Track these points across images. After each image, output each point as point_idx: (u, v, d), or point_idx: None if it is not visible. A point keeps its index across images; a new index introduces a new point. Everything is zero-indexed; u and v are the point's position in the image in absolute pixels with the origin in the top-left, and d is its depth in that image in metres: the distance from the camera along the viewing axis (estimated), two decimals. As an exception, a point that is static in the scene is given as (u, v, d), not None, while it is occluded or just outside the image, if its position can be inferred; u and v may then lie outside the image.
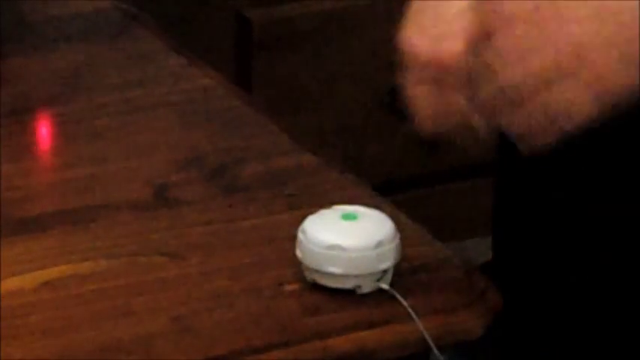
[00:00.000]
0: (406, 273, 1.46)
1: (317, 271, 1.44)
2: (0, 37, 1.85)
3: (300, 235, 1.45)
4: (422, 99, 1.50)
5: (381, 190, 1.60)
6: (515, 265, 1.75)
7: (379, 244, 1.43)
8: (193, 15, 2.87)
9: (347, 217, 1.46)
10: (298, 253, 1.45)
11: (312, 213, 1.47)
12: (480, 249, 1.81)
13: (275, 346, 1.39)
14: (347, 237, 1.43)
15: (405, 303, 1.42)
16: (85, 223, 1.55)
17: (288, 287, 1.45)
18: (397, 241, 1.45)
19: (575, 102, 1.43)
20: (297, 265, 1.45)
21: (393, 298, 1.43)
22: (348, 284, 1.44)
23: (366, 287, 1.44)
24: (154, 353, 1.37)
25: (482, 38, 1.45)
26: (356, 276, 1.43)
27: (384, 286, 1.43)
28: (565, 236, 1.73)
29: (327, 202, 1.50)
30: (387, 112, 2.63)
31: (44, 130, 1.77)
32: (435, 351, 1.43)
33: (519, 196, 1.79)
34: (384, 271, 1.44)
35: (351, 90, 2.77)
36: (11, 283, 1.45)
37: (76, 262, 1.48)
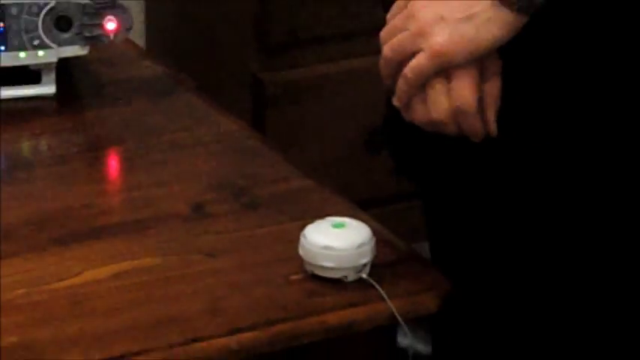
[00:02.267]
0: (380, 266, 1.51)
1: (314, 265, 1.49)
2: (82, 94, 1.89)
3: (301, 239, 1.50)
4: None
5: (361, 206, 1.64)
6: (447, 261, 1.73)
7: (360, 245, 1.48)
8: (220, 76, 2.89)
9: (336, 225, 1.50)
10: (300, 252, 1.50)
11: (310, 223, 1.52)
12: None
13: (283, 320, 1.44)
14: (336, 240, 1.48)
15: (379, 288, 1.47)
16: (143, 230, 1.61)
17: (293, 277, 1.50)
18: (373, 242, 1.50)
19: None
20: (299, 261, 1.50)
21: (371, 285, 1.47)
22: (337, 275, 1.48)
23: (351, 277, 1.48)
24: (193, 326, 1.41)
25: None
26: (343, 268, 1.48)
27: (364, 276, 1.48)
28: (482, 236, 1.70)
29: (321, 215, 1.55)
30: (367, 148, 2.68)
31: (113, 162, 1.81)
32: (402, 323, 1.47)
33: (444, 212, 1.77)
34: (364, 265, 1.49)
35: (341, 132, 2.78)
36: (90, 275, 1.50)
37: (137, 259, 1.53)
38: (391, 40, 1.50)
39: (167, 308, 1.46)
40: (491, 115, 1.50)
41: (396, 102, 1.52)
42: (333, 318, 1.46)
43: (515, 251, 1.67)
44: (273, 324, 1.44)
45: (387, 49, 1.50)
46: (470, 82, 1.47)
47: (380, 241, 1.53)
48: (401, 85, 1.50)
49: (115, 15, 1.87)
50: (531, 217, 1.64)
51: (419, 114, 1.50)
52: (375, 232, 1.52)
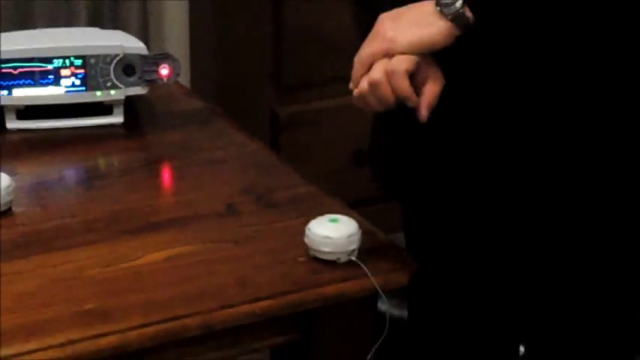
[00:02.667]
0: (365, 251, 1.50)
1: (316, 250, 1.48)
2: (142, 123, 1.88)
3: (306, 231, 1.49)
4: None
5: (351, 206, 1.63)
6: (417, 247, 1.72)
7: (350, 235, 1.48)
8: (246, 109, 2.88)
9: (332, 220, 1.50)
10: (305, 240, 1.49)
11: (313, 219, 1.51)
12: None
13: (293, 292, 1.44)
14: (332, 232, 1.48)
15: (364, 267, 1.46)
16: (188, 224, 1.60)
17: (300, 259, 1.50)
18: (359, 233, 1.49)
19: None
20: (304, 247, 1.50)
21: (358, 265, 1.47)
22: (333, 257, 1.48)
23: (343, 259, 1.47)
24: (225, 296, 1.41)
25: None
26: (337, 253, 1.48)
27: (353, 258, 1.47)
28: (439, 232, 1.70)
29: (321, 212, 1.53)
30: (355, 163, 2.67)
31: (165, 174, 1.81)
32: (381, 293, 1.47)
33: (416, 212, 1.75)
34: (353, 250, 1.48)
35: (336, 151, 2.75)
36: (149, 258, 1.50)
37: (183, 245, 1.53)
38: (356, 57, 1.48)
39: (206, 283, 1.46)
40: (423, 107, 1.44)
41: (351, 86, 1.47)
42: (329, 290, 1.46)
43: (465, 241, 1.66)
44: (285, 294, 1.44)
45: (355, 64, 1.48)
46: (404, 61, 1.43)
47: (364, 232, 1.51)
48: (356, 72, 1.47)
49: (167, 64, 1.87)
50: (477, 219, 1.62)
51: (363, 83, 1.46)
52: (361, 226, 1.51)
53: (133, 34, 2.15)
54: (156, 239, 1.56)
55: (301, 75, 2.90)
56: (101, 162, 1.82)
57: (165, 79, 1.89)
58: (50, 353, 1.31)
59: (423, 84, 1.45)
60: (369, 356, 1.51)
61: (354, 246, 1.49)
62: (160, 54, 1.91)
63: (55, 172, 1.77)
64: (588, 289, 1.60)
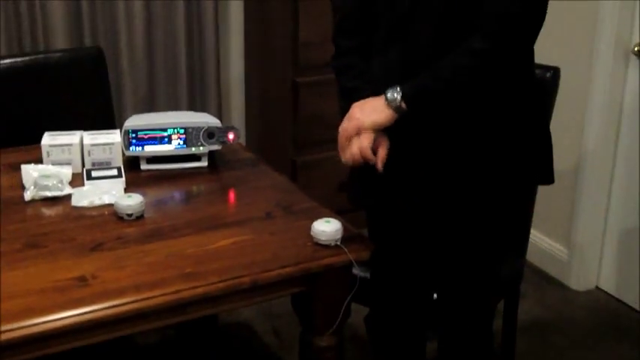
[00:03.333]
0: (345, 238, 1.48)
1: (317, 239, 1.48)
2: (218, 166, 1.83)
3: (312, 227, 1.48)
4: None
5: (337, 213, 1.59)
6: (376, 237, 1.66)
7: (337, 230, 1.48)
8: (277, 159, 2.83)
9: (326, 221, 1.49)
10: (311, 232, 1.48)
11: (315, 220, 1.49)
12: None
13: (302, 262, 1.44)
14: (327, 227, 1.47)
15: (344, 248, 1.47)
16: (243, 223, 1.58)
17: (308, 244, 1.48)
18: (342, 229, 1.48)
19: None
20: (311, 237, 1.48)
21: (341, 247, 1.47)
22: (327, 243, 1.47)
23: (333, 244, 1.47)
24: (264, 265, 1.41)
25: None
26: (330, 240, 1.47)
27: (339, 243, 1.47)
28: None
29: (320, 217, 1.51)
30: (339, 189, 2.64)
31: (230, 194, 1.76)
32: (354, 263, 1.47)
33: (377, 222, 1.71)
34: (338, 239, 1.48)
35: (329, 183, 2.74)
36: (221, 242, 1.49)
37: (241, 236, 1.51)
38: (340, 127, 1.48)
39: (253, 257, 1.45)
40: (379, 160, 1.46)
41: (340, 152, 1.48)
42: (325, 261, 1.47)
43: (401, 232, 1.64)
44: (299, 264, 1.45)
45: (340, 131, 1.48)
46: (367, 138, 1.44)
47: (345, 228, 1.50)
48: (342, 135, 1.47)
49: (233, 132, 1.84)
50: (407, 219, 1.61)
51: (347, 153, 1.47)
52: (342, 224, 1.50)
53: (212, 114, 2.12)
54: (225, 232, 1.54)
55: (309, 139, 2.84)
56: (194, 188, 1.78)
57: (231, 141, 1.85)
58: (165, 297, 1.33)
59: (377, 147, 1.46)
60: (347, 299, 1.51)
61: (339, 236, 1.48)
62: (228, 126, 1.86)
63: (168, 194, 1.74)
64: (468, 259, 1.58)
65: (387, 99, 1.41)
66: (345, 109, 1.49)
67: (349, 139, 1.45)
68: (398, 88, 1.41)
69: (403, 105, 1.41)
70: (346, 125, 1.46)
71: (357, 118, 1.44)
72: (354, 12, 1.54)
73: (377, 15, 1.50)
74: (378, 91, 1.44)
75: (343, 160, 1.47)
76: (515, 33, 1.37)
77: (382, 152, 1.45)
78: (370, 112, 1.43)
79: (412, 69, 1.42)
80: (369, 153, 1.45)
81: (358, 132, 1.44)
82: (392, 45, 1.47)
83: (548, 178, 1.56)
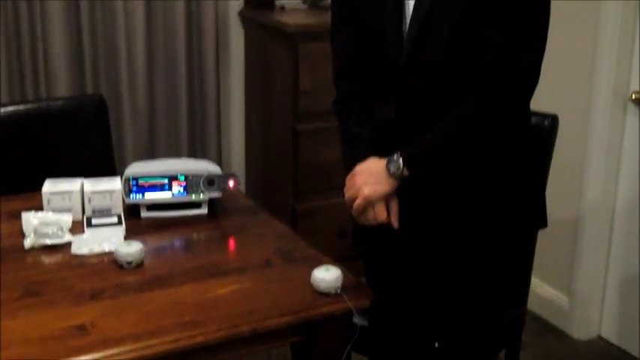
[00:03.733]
0: (345, 287, 1.48)
1: (317, 287, 1.47)
2: (218, 213, 1.82)
3: (312, 275, 1.47)
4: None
5: (336, 260, 1.56)
6: (374, 285, 1.62)
7: (337, 278, 1.46)
8: (277, 206, 2.81)
9: (326, 269, 1.47)
10: (311, 280, 1.47)
11: (315, 268, 1.48)
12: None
13: (304, 310, 1.43)
14: (327, 275, 1.46)
15: (344, 297, 1.45)
16: (243, 271, 1.57)
17: (308, 292, 1.47)
18: (342, 277, 1.47)
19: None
20: (311, 285, 1.47)
21: (341, 295, 1.46)
22: (327, 291, 1.46)
23: (333, 292, 1.46)
24: (264, 313, 1.40)
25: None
26: (330, 288, 1.46)
27: (339, 291, 1.46)
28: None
29: (320, 264, 1.50)
30: (339, 236, 2.62)
31: (230, 241, 1.74)
32: (354, 311, 1.45)
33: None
34: (338, 287, 1.46)
35: (328, 230, 2.74)
36: (221, 291, 1.48)
37: (240, 284, 1.50)
38: (347, 194, 1.51)
39: (253, 305, 1.44)
40: (394, 218, 1.49)
41: (354, 214, 1.52)
42: (325, 310, 1.46)
43: (398, 281, 1.63)
44: (299, 312, 1.44)
45: (347, 198, 1.52)
46: (381, 208, 1.48)
47: (345, 276, 1.49)
48: (355, 210, 1.51)
49: (233, 179, 1.84)
50: (404, 271, 1.61)
51: (362, 220, 1.52)
52: (343, 272, 1.49)
53: (212, 160, 2.09)
54: (225, 280, 1.53)
55: (309, 187, 2.85)
56: (194, 236, 1.77)
57: (232, 189, 1.84)
58: (164, 346, 1.32)
59: (389, 204, 1.51)
60: (347, 348, 1.50)
61: (339, 284, 1.47)
62: (229, 174, 1.85)
63: (168, 242, 1.73)
64: (468, 307, 1.58)
65: (389, 171, 1.46)
66: (346, 155, 1.54)
67: (362, 209, 1.51)
68: (400, 161, 1.45)
69: (405, 172, 1.46)
70: (351, 195, 1.50)
71: (365, 194, 1.48)
72: (353, 59, 1.57)
73: (375, 64, 1.53)
74: (378, 137, 1.48)
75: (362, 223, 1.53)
76: (507, 99, 1.40)
77: (394, 209, 1.50)
78: (374, 184, 1.48)
79: (406, 122, 1.47)
80: (386, 219, 1.50)
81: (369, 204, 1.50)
82: (388, 96, 1.50)
83: (542, 222, 1.57)
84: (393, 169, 1.45)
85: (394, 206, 1.51)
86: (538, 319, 2.77)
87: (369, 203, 1.49)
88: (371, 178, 1.48)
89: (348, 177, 1.53)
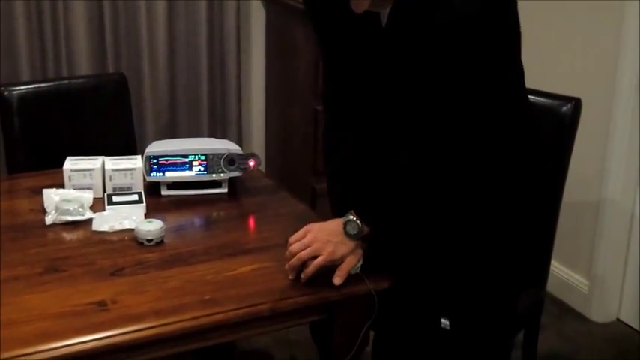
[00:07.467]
0: (365, 266, 1.47)
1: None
2: (238, 192, 1.82)
3: None
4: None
5: None
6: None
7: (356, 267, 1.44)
8: (298, 186, 2.82)
9: None
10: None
11: None
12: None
13: (320, 291, 1.42)
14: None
15: (364, 277, 1.45)
16: (263, 250, 1.56)
17: (328, 272, 1.43)
18: (362, 256, 1.45)
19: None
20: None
21: (361, 276, 1.45)
22: (352, 271, 1.44)
23: (353, 271, 1.44)
24: (283, 292, 1.39)
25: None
26: (354, 269, 1.44)
27: (358, 271, 1.46)
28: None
29: None
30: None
31: (250, 221, 1.74)
32: (373, 292, 1.44)
33: None
34: (358, 267, 1.45)
35: None
36: (241, 269, 1.48)
37: (260, 262, 1.50)
38: (298, 254, 1.44)
39: (272, 284, 1.44)
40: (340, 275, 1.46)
41: (289, 268, 1.46)
42: (345, 290, 1.44)
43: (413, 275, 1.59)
44: (317, 292, 1.43)
45: (303, 254, 1.44)
46: (347, 264, 1.45)
47: (365, 256, 1.47)
48: (293, 262, 1.45)
49: (253, 159, 1.84)
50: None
51: (295, 272, 1.46)
52: (363, 251, 1.47)
53: (233, 141, 2.10)
54: (245, 259, 1.53)
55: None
56: (214, 214, 1.77)
57: (252, 168, 1.85)
58: (184, 323, 1.32)
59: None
60: (366, 326, 1.48)
61: (359, 264, 1.46)
62: (249, 153, 1.85)
63: (189, 220, 1.73)
64: (482, 289, 1.55)
65: (348, 234, 1.45)
66: (333, 191, 1.60)
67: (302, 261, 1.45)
68: (358, 221, 1.44)
69: (365, 229, 1.45)
70: (318, 259, 1.43)
71: (327, 247, 1.43)
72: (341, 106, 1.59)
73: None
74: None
75: (291, 277, 1.46)
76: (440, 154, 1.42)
77: (345, 267, 1.45)
78: (340, 245, 1.44)
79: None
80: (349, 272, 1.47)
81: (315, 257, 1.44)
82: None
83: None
84: (352, 231, 1.44)
85: (347, 265, 1.46)
86: (557, 302, 2.76)
87: (332, 260, 1.45)
88: (333, 237, 1.45)
89: (303, 232, 1.48)
